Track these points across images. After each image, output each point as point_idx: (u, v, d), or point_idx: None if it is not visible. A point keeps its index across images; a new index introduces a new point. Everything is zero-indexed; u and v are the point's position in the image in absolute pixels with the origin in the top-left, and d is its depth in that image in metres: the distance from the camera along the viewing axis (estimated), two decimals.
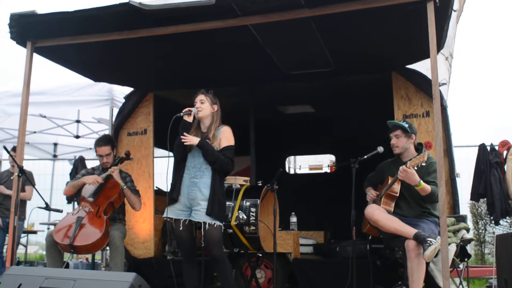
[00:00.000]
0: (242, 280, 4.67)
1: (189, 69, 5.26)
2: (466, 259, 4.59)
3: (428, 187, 3.89)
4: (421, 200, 4.01)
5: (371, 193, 4.38)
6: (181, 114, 3.92)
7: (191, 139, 3.86)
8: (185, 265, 3.99)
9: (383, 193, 4.16)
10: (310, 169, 8.72)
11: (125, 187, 4.67)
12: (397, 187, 4.06)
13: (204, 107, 3.96)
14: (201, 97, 3.99)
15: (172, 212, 3.88)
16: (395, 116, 5.10)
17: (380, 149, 4.33)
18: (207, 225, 3.78)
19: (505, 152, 6.33)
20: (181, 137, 3.87)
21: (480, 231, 10.87)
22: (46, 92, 6.89)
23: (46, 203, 4.49)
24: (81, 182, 4.62)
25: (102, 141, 4.82)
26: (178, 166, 4.00)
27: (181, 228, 3.85)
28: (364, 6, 3.57)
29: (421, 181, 3.86)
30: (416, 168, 3.91)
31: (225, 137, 3.98)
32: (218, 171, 3.90)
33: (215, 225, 3.80)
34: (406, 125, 4.14)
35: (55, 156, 9.93)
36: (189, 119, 3.92)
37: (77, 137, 9.14)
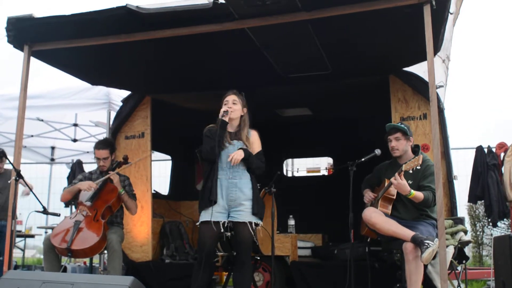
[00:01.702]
0: None
1: (186, 72, 5.26)
2: (464, 261, 4.58)
3: (420, 195, 3.90)
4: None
5: (368, 194, 4.38)
6: (223, 118, 3.83)
7: (236, 157, 3.77)
8: (200, 269, 3.76)
9: (380, 196, 4.17)
10: (308, 171, 8.69)
11: (123, 192, 4.67)
12: (394, 190, 4.05)
13: (236, 108, 3.92)
14: (233, 97, 3.95)
15: (210, 215, 3.72)
16: (392, 119, 5.10)
17: (378, 151, 4.33)
18: (253, 225, 3.79)
19: (502, 154, 6.36)
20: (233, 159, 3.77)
21: (478, 233, 10.88)
22: (43, 96, 6.87)
23: (43, 207, 4.46)
24: (77, 188, 4.62)
25: (101, 144, 4.82)
26: (205, 168, 3.83)
27: (222, 231, 3.77)
28: (361, 9, 3.58)
29: (411, 191, 3.88)
30: (411, 171, 3.91)
31: (257, 141, 4.03)
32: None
33: (258, 225, 3.83)
34: (406, 128, 4.15)
35: (52, 159, 9.91)
36: (226, 118, 3.86)
37: (75, 140, 9.12)
